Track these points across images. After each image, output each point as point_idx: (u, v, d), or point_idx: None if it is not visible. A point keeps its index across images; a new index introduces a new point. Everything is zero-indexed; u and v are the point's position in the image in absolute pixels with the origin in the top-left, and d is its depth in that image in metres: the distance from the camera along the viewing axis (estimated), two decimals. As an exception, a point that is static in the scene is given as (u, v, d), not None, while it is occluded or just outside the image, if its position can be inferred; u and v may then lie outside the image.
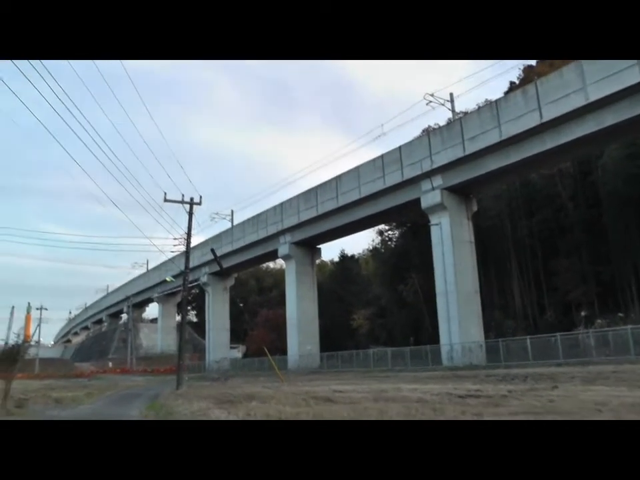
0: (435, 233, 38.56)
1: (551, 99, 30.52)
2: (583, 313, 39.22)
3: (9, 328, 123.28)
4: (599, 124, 29.30)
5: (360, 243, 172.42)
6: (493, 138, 33.69)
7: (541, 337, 32.80)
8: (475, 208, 40.23)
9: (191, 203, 28.77)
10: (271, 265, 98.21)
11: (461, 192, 38.51)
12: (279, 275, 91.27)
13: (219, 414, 10.52)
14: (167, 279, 58.26)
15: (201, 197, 29.45)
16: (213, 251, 34.75)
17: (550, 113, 30.69)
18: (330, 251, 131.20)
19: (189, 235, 28.51)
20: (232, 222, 64.09)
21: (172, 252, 29.63)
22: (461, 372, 27.41)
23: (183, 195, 28.81)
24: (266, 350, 36.57)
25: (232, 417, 9.67)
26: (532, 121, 31.56)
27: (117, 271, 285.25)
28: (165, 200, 28.06)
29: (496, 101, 34.27)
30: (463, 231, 38.51)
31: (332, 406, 10.72)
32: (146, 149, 25.35)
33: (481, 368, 30.75)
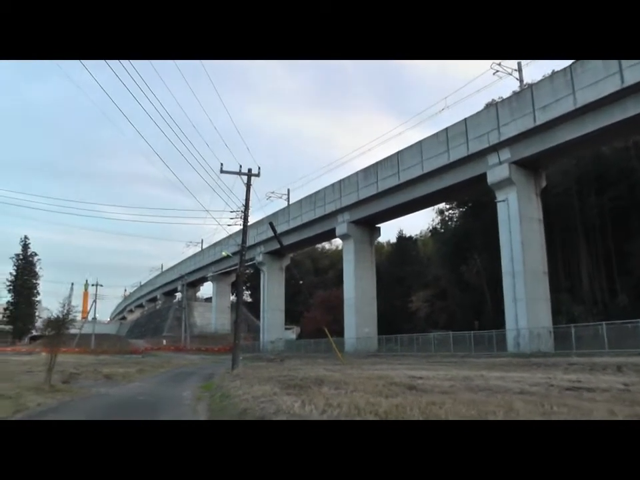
0: (501, 209, 36.43)
1: (634, 61, 27.91)
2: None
3: (68, 304, 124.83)
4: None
5: (417, 224, 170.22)
6: (566, 106, 31.33)
7: (616, 323, 30.41)
8: (543, 183, 37.95)
9: (249, 174, 27.14)
10: (327, 245, 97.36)
11: (529, 166, 36.30)
12: (335, 256, 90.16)
13: (290, 402, 8.81)
14: (224, 253, 57.70)
15: (259, 167, 27.70)
16: (271, 224, 33.18)
17: (633, 76, 28.18)
18: (386, 233, 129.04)
19: (246, 207, 27.02)
20: (288, 201, 62.98)
21: (229, 225, 28.23)
22: (534, 359, 25.40)
23: (240, 166, 27.30)
24: (326, 330, 35.27)
25: (309, 407, 8.10)
26: (612, 85, 29.09)
27: (172, 251, 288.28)
28: (222, 171, 26.52)
29: (570, 66, 31.64)
30: (532, 208, 36.32)
31: (426, 396, 9.01)
32: (205, 128, 24.12)
33: (550, 355, 28.81)
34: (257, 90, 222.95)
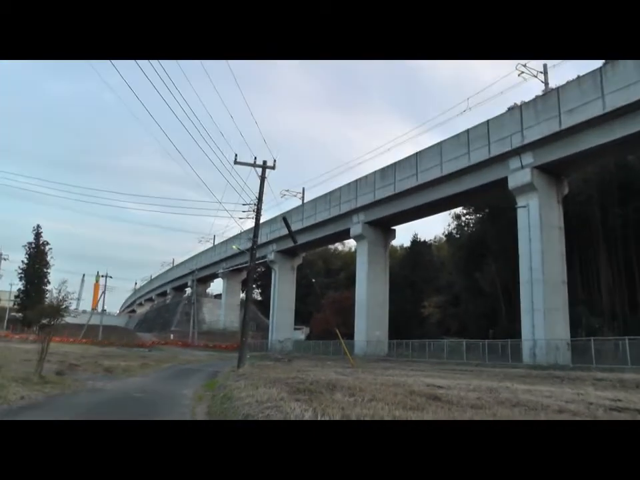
0: (521, 216, 35.26)
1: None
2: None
3: (79, 296, 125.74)
4: None
5: (431, 229, 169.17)
6: (595, 110, 30.11)
7: (638, 338, 29.06)
8: (565, 191, 36.72)
9: (264, 166, 26.18)
10: (339, 247, 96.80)
11: (552, 172, 35.12)
12: (347, 258, 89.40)
13: (299, 411, 7.60)
14: (234, 247, 57.12)
15: (275, 160, 26.72)
16: (285, 219, 31.97)
17: (667, 82, 27.07)
18: (399, 237, 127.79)
19: (259, 199, 25.98)
20: (303, 199, 62.14)
21: (241, 218, 27.14)
22: (554, 372, 24.16)
23: (255, 158, 26.33)
24: (337, 332, 34.41)
25: (325, 419, 7.01)
26: (644, 90, 27.91)
27: (184, 247, 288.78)
28: (236, 162, 25.53)
29: (600, 69, 30.46)
30: (553, 215, 35.12)
31: (456, 411, 7.92)
32: (222, 124, 23.32)
33: (569, 369, 27.58)
34: (272, 92, 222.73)
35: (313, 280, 49.16)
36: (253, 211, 26.31)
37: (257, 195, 26.26)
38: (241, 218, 27.03)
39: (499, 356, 35.40)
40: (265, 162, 26.42)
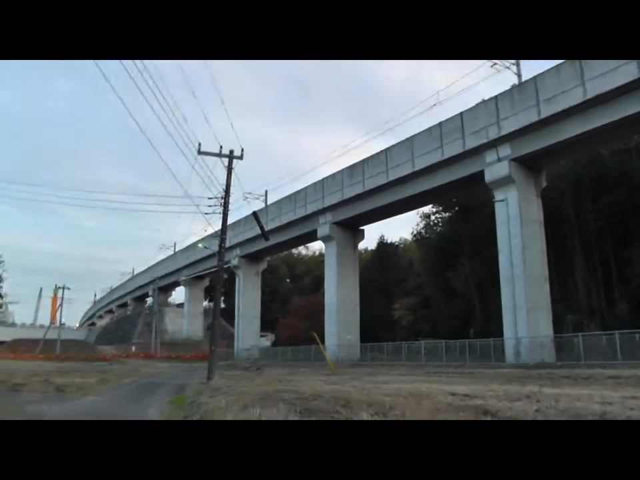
0: (500, 210, 33.96)
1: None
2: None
3: (37, 309, 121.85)
4: None
5: (395, 231, 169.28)
6: (575, 98, 28.97)
7: (625, 332, 27.85)
8: (544, 184, 35.53)
9: (230, 156, 24.00)
10: (303, 251, 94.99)
11: (530, 164, 33.92)
12: (312, 262, 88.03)
13: None
14: (200, 245, 54.96)
15: (242, 149, 24.57)
16: (255, 214, 29.69)
17: (651, 65, 25.98)
18: (365, 239, 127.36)
19: (227, 192, 23.77)
20: (266, 202, 60.07)
21: (207, 213, 24.84)
22: (555, 371, 22.53)
23: (220, 147, 24.21)
24: (315, 336, 32.79)
25: None
26: (626, 75, 26.77)
27: (143, 258, 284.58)
28: (199, 152, 23.37)
29: (580, 56, 29.24)
30: (532, 209, 33.90)
31: None
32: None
33: (557, 367, 26.24)
34: (225, 98, 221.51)
35: (287, 280, 47.32)
36: (220, 205, 24.18)
37: (224, 187, 24.14)
38: (207, 213, 24.70)
39: (478, 356, 34.04)
40: (231, 151, 24.25)
